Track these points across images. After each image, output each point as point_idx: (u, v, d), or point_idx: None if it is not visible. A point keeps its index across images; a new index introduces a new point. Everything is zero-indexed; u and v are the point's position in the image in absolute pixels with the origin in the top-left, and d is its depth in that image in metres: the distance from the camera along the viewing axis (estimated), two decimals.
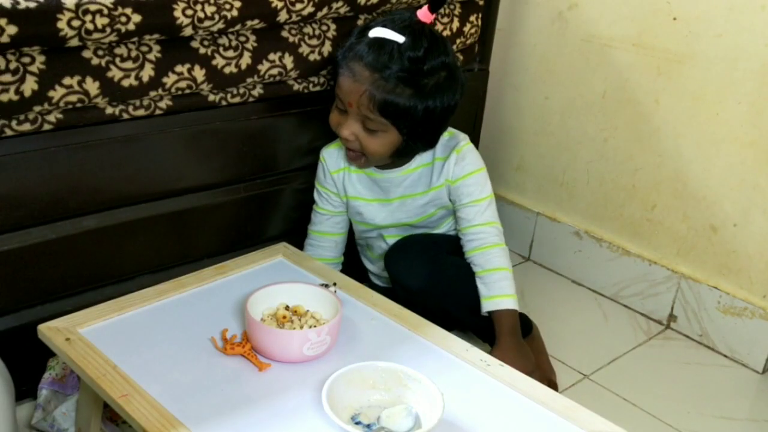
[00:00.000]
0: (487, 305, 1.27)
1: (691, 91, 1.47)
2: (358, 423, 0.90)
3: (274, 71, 1.30)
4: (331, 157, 1.37)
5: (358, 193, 1.36)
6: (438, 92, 1.21)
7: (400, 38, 1.18)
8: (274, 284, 1.07)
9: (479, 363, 1.02)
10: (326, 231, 1.41)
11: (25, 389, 1.20)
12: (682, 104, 1.49)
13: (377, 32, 1.20)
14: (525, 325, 1.38)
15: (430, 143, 1.29)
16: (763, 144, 1.40)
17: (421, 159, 1.32)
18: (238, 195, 1.36)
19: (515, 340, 1.25)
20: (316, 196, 1.41)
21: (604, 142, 1.64)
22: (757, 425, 1.33)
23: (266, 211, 1.42)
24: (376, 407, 0.92)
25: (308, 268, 1.22)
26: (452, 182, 1.31)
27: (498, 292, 1.27)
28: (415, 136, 1.24)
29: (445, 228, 1.40)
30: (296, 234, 1.47)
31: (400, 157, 1.29)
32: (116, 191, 1.21)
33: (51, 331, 1.01)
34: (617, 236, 1.67)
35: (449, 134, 1.33)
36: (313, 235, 1.41)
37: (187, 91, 1.22)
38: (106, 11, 1.05)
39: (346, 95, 1.21)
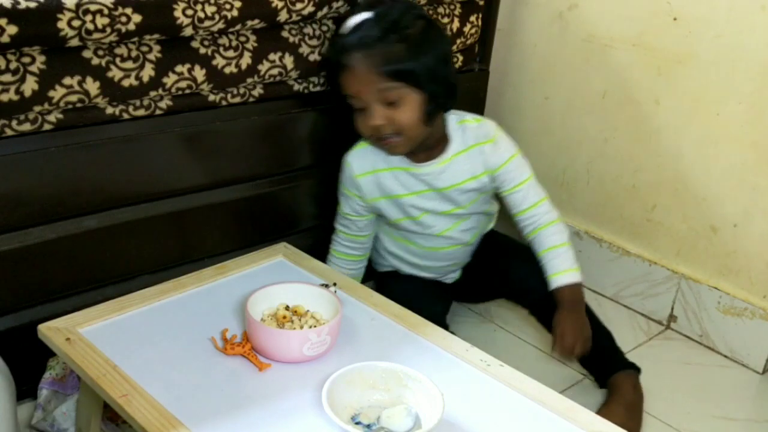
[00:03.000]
0: (552, 282, 1.32)
1: (691, 92, 1.47)
2: (358, 423, 0.89)
3: (275, 71, 1.30)
4: (356, 160, 1.36)
5: (394, 190, 1.35)
6: (427, 40, 1.24)
7: (367, 14, 1.24)
8: (274, 284, 1.07)
9: (479, 363, 1.02)
10: (352, 234, 1.43)
11: (25, 389, 1.20)
12: (682, 104, 1.49)
13: (347, 23, 1.26)
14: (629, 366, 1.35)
15: (450, 95, 1.30)
16: (764, 144, 1.40)
17: (455, 148, 1.34)
18: (238, 195, 1.36)
19: (571, 315, 1.30)
20: (340, 199, 1.42)
21: (604, 143, 1.64)
22: (758, 425, 1.33)
23: (267, 211, 1.42)
24: (376, 407, 0.92)
25: (308, 268, 1.22)
26: (492, 171, 1.34)
27: (552, 271, 1.32)
28: (434, 91, 1.25)
29: (488, 207, 1.44)
30: (297, 234, 1.47)
31: (431, 121, 1.28)
32: (116, 191, 1.21)
33: (51, 331, 1.01)
34: (617, 236, 1.67)
35: (477, 121, 1.35)
36: (341, 235, 1.44)
37: (188, 91, 1.22)
38: (106, 11, 1.05)
39: (354, 87, 1.24)
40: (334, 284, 1.15)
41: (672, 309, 1.59)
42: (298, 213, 1.47)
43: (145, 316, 1.08)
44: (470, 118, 1.35)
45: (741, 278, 1.49)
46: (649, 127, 1.55)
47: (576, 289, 1.32)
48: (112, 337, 1.02)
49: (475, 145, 1.33)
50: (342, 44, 1.24)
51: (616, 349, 1.37)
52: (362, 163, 1.36)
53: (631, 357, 1.49)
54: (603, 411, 1.26)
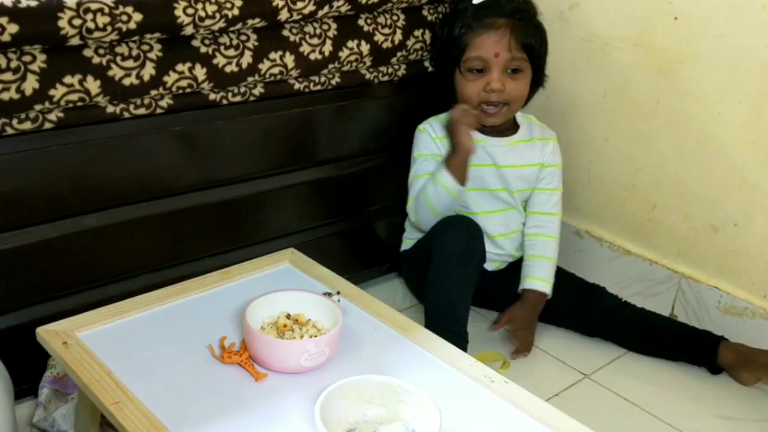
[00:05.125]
0: (527, 283, 1.48)
1: (691, 91, 1.47)
2: None
3: (275, 70, 1.30)
4: (432, 127, 1.48)
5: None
6: (542, 27, 1.45)
7: None
8: (275, 292, 1.04)
9: (483, 379, 0.99)
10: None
11: (25, 388, 1.20)
12: (682, 104, 1.49)
13: None
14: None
15: (541, 82, 1.48)
16: (764, 144, 1.40)
17: (521, 135, 1.50)
18: (238, 194, 1.36)
19: (531, 313, 1.47)
20: (419, 166, 1.48)
21: (604, 142, 1.64)
22: (757, 425, 1.33)
23: (267, 210, 1.42)
24: (372, 422, 0.89)
25: (315, 275, 1.19)
26: (545, 167, 1.51)
27: (537, 275, 1.48)
28: (538, 72, 1.45)
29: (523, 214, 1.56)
30: (297, 233, 1.47)
31: (528, 100, 1.47)
32: (117, 190, 1.21)
33: (49, 334, 0.99)
34: (618, 236, 1.67)
35: (541, 124, 1.54)
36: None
37: (188, 90, 1.22)
38: (107, 10, 1.05)
39: (494, 48, 1.37)
40: (338, 293, 1.13)
41: (672, 308, 1.59)
42: (299, 212, 1.47)
43: (145, 321, 1.06)
44: (534, 118, 1.54)
45: (741, 278, 1.49)
46: (650, 127, 1.55)
47: (543, 299, 1.48)
48: (109, 342, 1.00)
49: (540, 139, 1.51)
50: (489, 11, 1.37)
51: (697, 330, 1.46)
52: (438, 130, 1.47)
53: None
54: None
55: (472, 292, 1.39)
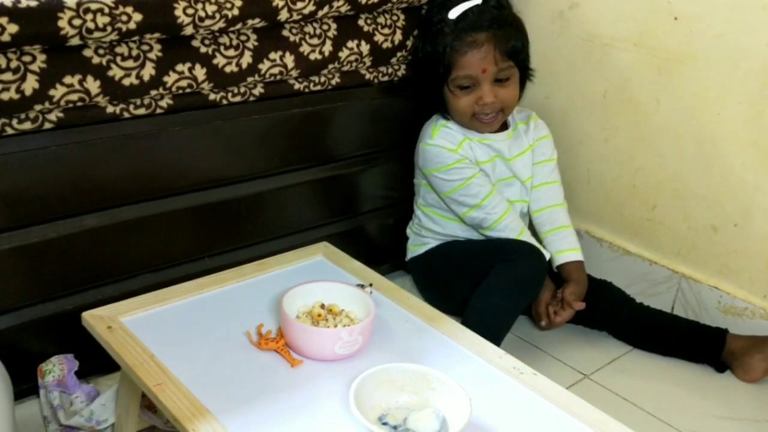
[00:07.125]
0: (559, 259, 1.50)
1: (691, 91, 1.47)
2: (384, 424, 0.89)
3: (275, 70, 1.30)
4: (442, 140, 1.45)
5: (479, 156, 1.47)
6: (521, 24, 1.44)
7: (477, 1, 1.38)
8: (310, 282, 1.08)
9: (512, 370, 1.01)
10: (490, 190, 1.46)
11: (25, 388, 1.20)
12: (682, 104, 1.49)
13: (458, 9, 1.37)
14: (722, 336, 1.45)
15: (528, 77, 1.48)
16: (764, 144, 1.40)
17: (511, 126, 1.52)
18: (238, 194, 1.36)
19: (585, 283, 1.48)
20: (458, 173, 1.44)
21: (604, 142, 1.64)
22: (757, 425, 1.33)
23: (267, 211, 1.42)
24: (404, 409, 0.91)
25: (348, 268, 1.23)
26: (537, 140, 1.53)
27: (565, 247, 1.51)
28: (524, 71, 1.45)
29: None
30: (297, 233, 1.47)
31: (521, 99, 1.47)
32: (117, 190, 1.21)
33: (94, 318, 1.03)
34: (618, 236, 1.67)
35: (519, 108, 1.54)
36: (486, 202, 1.45)
37: (188, 90, 1.22)
38: (107, 10, 1.06)
39: (480, 66, 1.36)
40: (370, 285, 1.16)
41: (672, 308, 1.59)
42: (298, 212, 1.47)
43: (185, 308, 1.09)
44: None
45: (741, 278, 1.49)
46: (650, 127, 1.55)
47: (582, 266, 1.51)
48: (151, 328, 1.03)
49: (522, 123, 1.53)
50: (468, 26, 1.35)
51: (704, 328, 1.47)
52: (450, 140, 1.45)
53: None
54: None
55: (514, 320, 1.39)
